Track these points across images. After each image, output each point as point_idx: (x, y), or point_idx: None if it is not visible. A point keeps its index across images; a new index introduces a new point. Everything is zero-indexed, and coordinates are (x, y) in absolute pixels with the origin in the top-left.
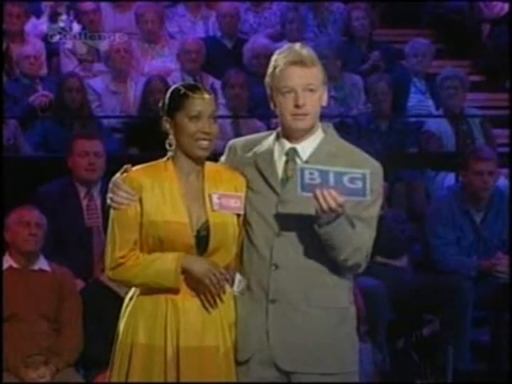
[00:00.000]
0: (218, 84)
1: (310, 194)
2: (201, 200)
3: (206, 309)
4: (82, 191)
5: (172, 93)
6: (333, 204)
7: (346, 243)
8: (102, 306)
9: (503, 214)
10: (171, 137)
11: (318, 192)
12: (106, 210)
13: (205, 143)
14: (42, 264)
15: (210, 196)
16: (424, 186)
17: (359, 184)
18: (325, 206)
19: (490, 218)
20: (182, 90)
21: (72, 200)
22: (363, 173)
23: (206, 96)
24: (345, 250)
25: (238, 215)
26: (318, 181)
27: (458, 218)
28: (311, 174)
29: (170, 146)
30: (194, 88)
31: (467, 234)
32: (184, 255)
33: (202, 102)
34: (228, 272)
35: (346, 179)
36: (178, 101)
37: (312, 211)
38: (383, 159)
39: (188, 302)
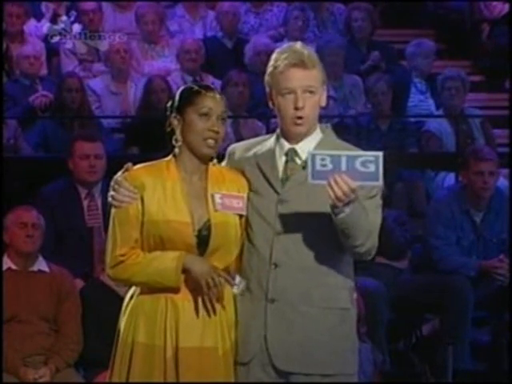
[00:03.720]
0: (218, 84)
1: (321, 182)
2: (203, 200)
3: (206, 310)
4: (83, 192)
5: (183, 90)
6: (345, 188)
7: (361, 229)
8: (102, 306)
9: (503, 214)
10: (178, 132)
11: (331, 178)
12: (107, 209)
13: (212, 142)
14: (41, 265)
15: (212, 196)
16: (424, 186)
17: (372, 167)
18: (338, 193)
19: (489, 218)
20: (195, 88)
21: (73, 200)
22: (376, 155)
23: (218, 96)
24: (360, 235)
25: (241, 216)
26: (330, 167)
27: (458, 218)
28: (323, 160)
29: (177, 142)
30: (206, 87)
31: (467, 234)
32: (185, 254)
33: (213, 101)
34: (229, 273)
35: (358, 163)
36: (190, 97)
37: (311, 210)
38: (383, 159)
39: (188, 302)
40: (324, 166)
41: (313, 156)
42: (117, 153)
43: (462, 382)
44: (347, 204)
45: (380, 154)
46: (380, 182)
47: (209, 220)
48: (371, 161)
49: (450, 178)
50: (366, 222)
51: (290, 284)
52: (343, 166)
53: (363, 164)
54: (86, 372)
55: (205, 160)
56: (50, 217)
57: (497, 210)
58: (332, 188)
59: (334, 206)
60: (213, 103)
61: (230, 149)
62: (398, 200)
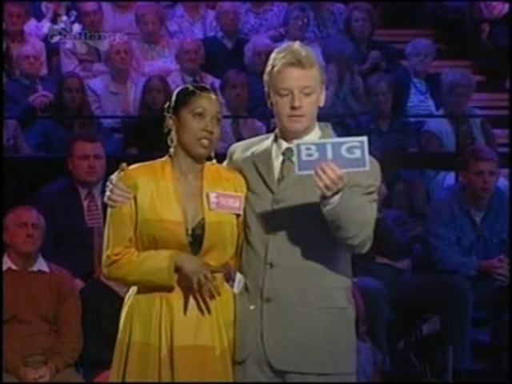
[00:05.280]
0: (218, 84)
1: (309, 172)
2: (198, 199)
3: (201, 308)
4: (83, 192)
5: (179, 91)
6: (333, 176)
7: (353, 219)
8: (102, 306)
9: (503, 214)
10: (173, 132)
11: (317, 167)
12: (106, 209)
13: (206, 142)
14: (41, 265)
15: (207, 195)
16: (424, 186)
17: (358, 153)
18: (327, 181)
19: (490, 218)
20: (190, 88)
21: (73, 200)
22: (361, 140)
23: (213, 96)
24: (352, 226)
25: (238, 215)
26: (316, 156)
27: (458, 218)
28: (308, 149)
29: (172, 142)
30: (201, 87)
31: (467, 234)
32: (177, 253)
33: (208, 101)
34: (229, 272)
35: (344, 149)
36: (185, 97)
37: (307, 209)
38: (383, 159)
39: (182, 301)
40: (310, 155)
41: (298, 146)
42: (117, 153)
43: (462, 382)
44: (336, 193)
45: (364, 138)
46: (367, 167)
47: (203, 219)
48: (357, 146)
49: (450, 178)
50: (358, 213)
51: (286, 284)
52: (329, 154)
53: (349, 150)
54: (86, 372)
55: (199, 160)
56: (50, 217)
57: (497, 210)
58: (320, 177)
59: (323, 197)
60: (207, 103)
61: (230, 148)
62: (398, 200)
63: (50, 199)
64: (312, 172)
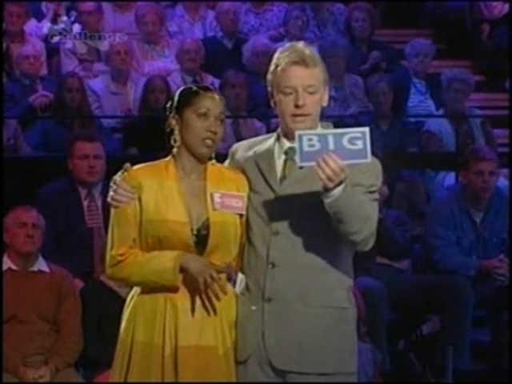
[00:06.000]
0: (218, 84)
1: (310, 164)
2: (202, 199)
3: (205, 308)
4: (83, 192)
5: (182, 91)
6: (335, 166)
7: (355, 213)
8: (102, 306)
9: (503, 214)
10: (176, 132)
11: (319, 159)
12: (106, 209)
13: (209, 142)
14: (41, 265)
15: (211, 195)
16: (424, 186)
17: (359, 144)
18: (328, 172)
19: (489, 218)
20: (194, 88)
21: (73, 201)
22: (363, 131)
23: (216, 97)
24: (355, 220)
25: (241, 215)
26: (318, 147)
27: (458, 218)
28: (310, 140)
29: (175, 141)
30: (204, 87)
31: (467, 234)
32: (182, 254)
33: (211, 101)
34: (229, 270)
35: (345, 140)
36: (188, 98)
37: (308, 208)
38: (384, 159)
39: (187, 301)
40: (312, 146)
41: (300, 136)
42: (117, 153)
43: (462, 382)
44: (338, 185)
45: (366, 129)
46: (368, 159)
47: (208, 219)
48: (358, 137)
49: (450, 178)
50: (361, 209)
51: (287, 283)
52: (331, 145)
53: (350, 141)
54: (86, 372)
55: (203, 160)
56: (50, 217)
57: (497, 210)
58: (322, 168)
59: (325, 189)
60: (211, 104)
61: (232, 148)
62: (398, 200)
63: (50, 199)
64: (313, 163)
